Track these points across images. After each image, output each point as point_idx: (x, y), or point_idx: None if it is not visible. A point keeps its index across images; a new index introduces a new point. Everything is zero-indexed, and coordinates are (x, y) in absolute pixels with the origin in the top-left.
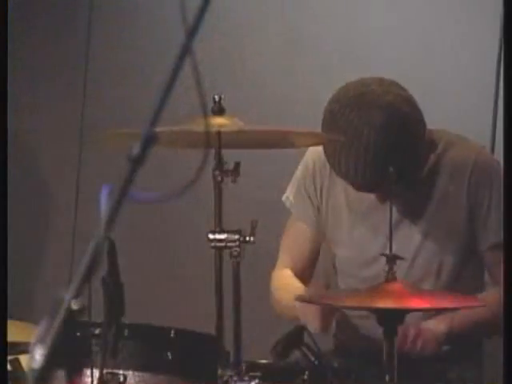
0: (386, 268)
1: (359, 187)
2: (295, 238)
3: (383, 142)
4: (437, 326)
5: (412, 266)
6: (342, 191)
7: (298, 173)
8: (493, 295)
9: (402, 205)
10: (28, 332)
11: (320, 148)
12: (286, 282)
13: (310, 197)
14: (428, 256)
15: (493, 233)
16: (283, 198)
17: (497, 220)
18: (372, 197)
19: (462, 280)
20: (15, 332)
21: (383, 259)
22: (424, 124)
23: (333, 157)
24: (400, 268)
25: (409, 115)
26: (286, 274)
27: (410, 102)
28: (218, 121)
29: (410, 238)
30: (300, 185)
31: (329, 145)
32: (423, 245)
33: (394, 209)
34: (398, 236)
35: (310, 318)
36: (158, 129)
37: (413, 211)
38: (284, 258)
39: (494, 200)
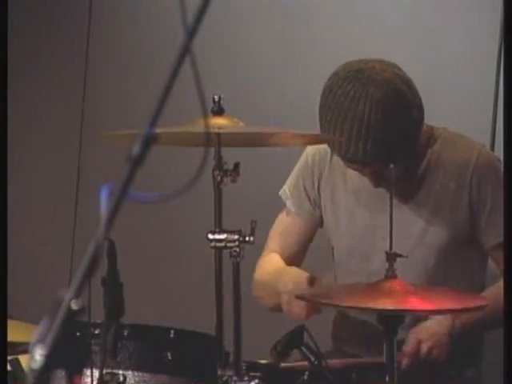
0: (387, 265)
1: (350, 160)
2: (286, 229)
3: (378, 117)
4: (450, 321)
5: (408, 261)
6: (340, 184)
7: (297, 166)
8: (496, 290)
9: (400, 200)
10: (28, 332)
11: None
12: (272, 266)
13: (306, 189)
14: (425, 252)
15: (497, 232)
16: (280, 191)
17: (500, 220)
18: (369, 187)
19: (460, 277)
20: (15, 332)
21: (382, 253)
22: (421, 108)
23: (328, 130)
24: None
25: (406, 94)
26: (273, 256)
27: (408, 83)
28: (217, 121)
29: (407, 234)
30: (298, 177)
31: (325, 119)
32: (421, 240)
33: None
34: (395, 231)
35: (293, 307)
36: (157, 129)
37: (411, 207)
38: (271, 245)
39: (497, 199)
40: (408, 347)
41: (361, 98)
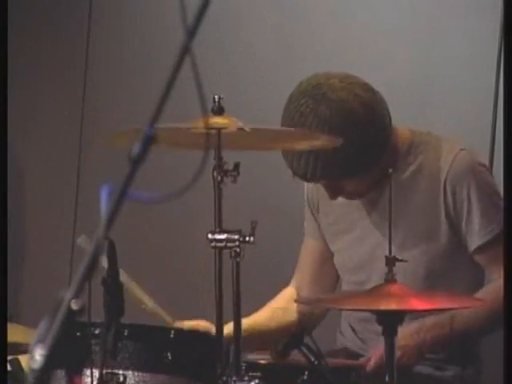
0: (386, 270)
1: (296, 174)
2: (302, 251)
3: (324, 135)
4: (422, 336)
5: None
6: (330, 203)
7: (305, 189)
8: (491, 291)
9: (380, 208)
10: (27, 336)
11: None
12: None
13: (312, 212)
14: (412, 263)
15: (476, 236)
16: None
17: (478, 223)
18: (348, 203)
19: (453, 282)
20: (15, 335)
21: (370, 264)
22: (380, 129)
23: None
24: (382, 272)
25: (358, 115)
26: (283, 294)
27: (367, 104)
28: (217, 121)
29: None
30: (306, 200)
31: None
32: (402, 249)
33: (375, 211)
34: (376, 239)
35: None
36: (157, 129)
37: (393, 215)
38: (295, 271)
39: (473, 204)
40: (375, 353)
41: (310, 114)
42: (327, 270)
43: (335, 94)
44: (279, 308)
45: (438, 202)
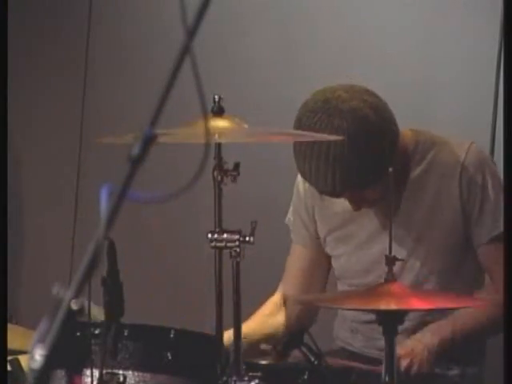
0: (386, 269)
1: (322, 191)
2: (290, 258)
3: (344, 148)
4: (429, 339)
5: (405, 268)
6: (330, 208)
7: (293, 196)
8: (489, 295)
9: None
10: (28, 339)
11: None
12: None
13: (303, 220)
14: (421, 259)
15: (487, 229)
16: (286, 220)
17: (490, 216)
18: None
19: (459, 281)
20: (15, 338)
21: (379, 267)
22: (392, 132)
23: (298, 159)
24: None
25: (373, 122)
26: (269, 301)
27: (377, 109)
28: (217, 121)
29: (401, 242)
30: (295, 208)
31: (296, 148)
32: (416, 248)
33: (382, 213)
34: (387, 240)
35: None
36: (157, 129)
37: (404, 215)
38: (282, 279)
39: (486, 196)
40: (404, 353)
41: (326, 129)
42: (316, 277)
43: (346, 104)
44: (266, 315)
45: (453, 195)
